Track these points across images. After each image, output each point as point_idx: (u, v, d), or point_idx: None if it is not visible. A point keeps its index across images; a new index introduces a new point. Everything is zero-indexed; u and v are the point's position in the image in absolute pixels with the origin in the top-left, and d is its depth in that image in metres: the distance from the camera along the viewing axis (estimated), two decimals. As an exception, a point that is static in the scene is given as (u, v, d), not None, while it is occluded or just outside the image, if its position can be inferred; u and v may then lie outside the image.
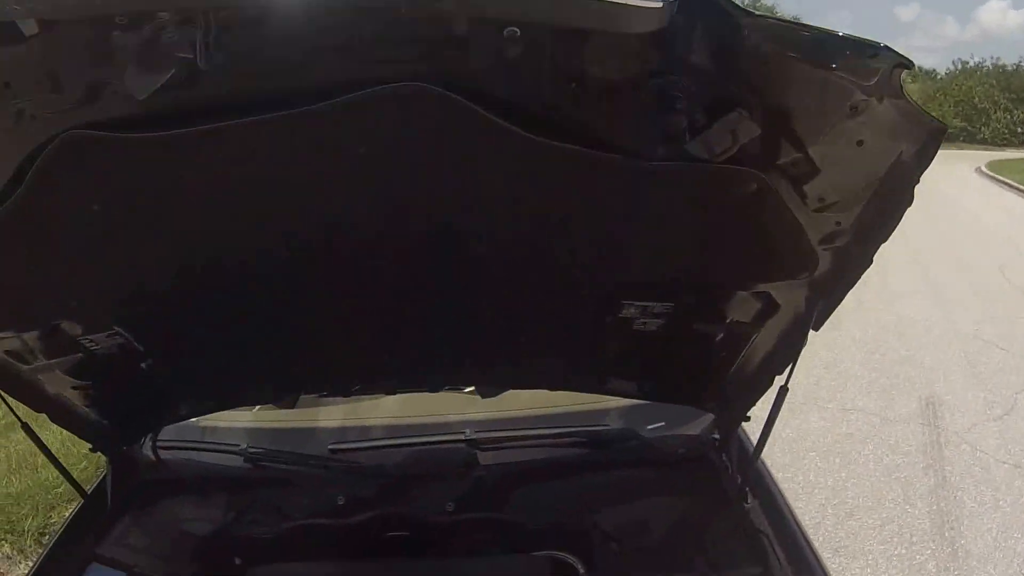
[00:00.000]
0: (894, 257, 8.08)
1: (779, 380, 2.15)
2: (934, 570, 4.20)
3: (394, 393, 2.77)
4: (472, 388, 2.69)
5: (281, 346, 2.28)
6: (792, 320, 1.95)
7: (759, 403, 2.33)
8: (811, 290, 1.83)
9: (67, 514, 2.73)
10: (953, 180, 12.11)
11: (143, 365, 2.28)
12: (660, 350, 2.29)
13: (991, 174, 13.45)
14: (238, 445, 2.84)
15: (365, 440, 2.82)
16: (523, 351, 2.37)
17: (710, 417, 2.73)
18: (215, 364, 2.35)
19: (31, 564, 4.24)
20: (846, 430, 5.73)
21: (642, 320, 2.11)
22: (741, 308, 1.99)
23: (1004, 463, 5.06)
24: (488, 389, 2.60)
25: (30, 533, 4.66)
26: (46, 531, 4.66)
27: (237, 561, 2.55)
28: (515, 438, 2.79)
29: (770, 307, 1.94)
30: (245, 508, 2.66)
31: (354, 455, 2.73)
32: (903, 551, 4.35)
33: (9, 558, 4.58)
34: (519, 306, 2.12)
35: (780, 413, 2.14)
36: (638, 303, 2.03)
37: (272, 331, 2.22)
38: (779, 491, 2.53)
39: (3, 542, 4.60)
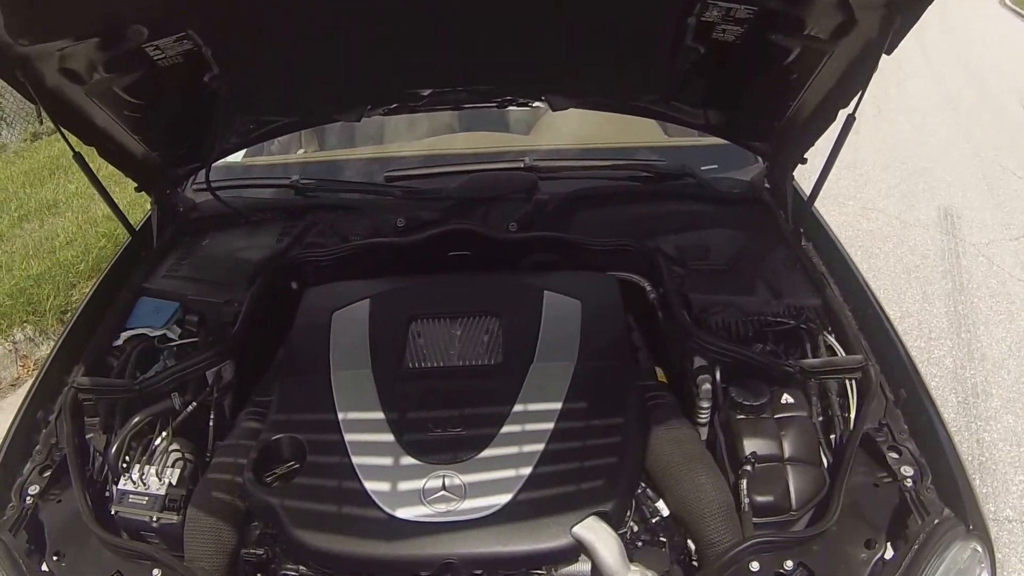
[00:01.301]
0: (915, 80, 7.89)
1: (844, 112, 2.10)
2: (951, 365, 4.28)
3: (461, 108, 2.70)
4: (540, 103, 2.61)
5: (346, 57, 2.18)
6: (865, 43, 1.88)
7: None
8: (889, 8, 1.75)
9: (113, 254, 2.68)
10: (976, 15, 11.66)
11: (206, 78, 2.18)
12: (731, 74, 2.24)
13: (1016, 8, 12.98)
14: (288, 178, 2.79)
15: (421, 167, 2.77)
16: (598, 60, 2.31)
17: (761, 166, 2.76)
18: (280, 77, 2.25)
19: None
20: (867, 227, 5.78)
21: (723, 26, 2.05)
22: (821, 20, 1.91)
23: (1020, 280, 5.10)
24: (558, 101, 2.51)
25: (51, 313, 4.66)
26: (67, 309, 4.66)
27: (293, 285, 2.53)
28: (574, 168, 2.77)
29: (848, 23, 1.86)
30: (299, 236, 2.63)
31: (411, 182, 2.69)
32: (922, 344, 4.43)
33: (31, 340, 4.60)
34: (597, 7, 2.05)
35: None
36: (723, 2, 1.96)
37: (338, 41, 2.11)
38: (834, 236, 2.54)
39: (25, 323, 4.60)
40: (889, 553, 1.65)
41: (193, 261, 2.58)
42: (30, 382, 2.17)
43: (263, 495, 1.79)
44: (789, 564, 1.62)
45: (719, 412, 2.09)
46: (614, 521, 1.73)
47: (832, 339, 2.14)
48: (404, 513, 1.71)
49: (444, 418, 1.90)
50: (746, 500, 1.83)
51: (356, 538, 1.69)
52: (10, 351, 4.46)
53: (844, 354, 2.08)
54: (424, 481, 1.77)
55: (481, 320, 2.18)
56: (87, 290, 2.72)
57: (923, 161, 6.73)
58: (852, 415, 1.98)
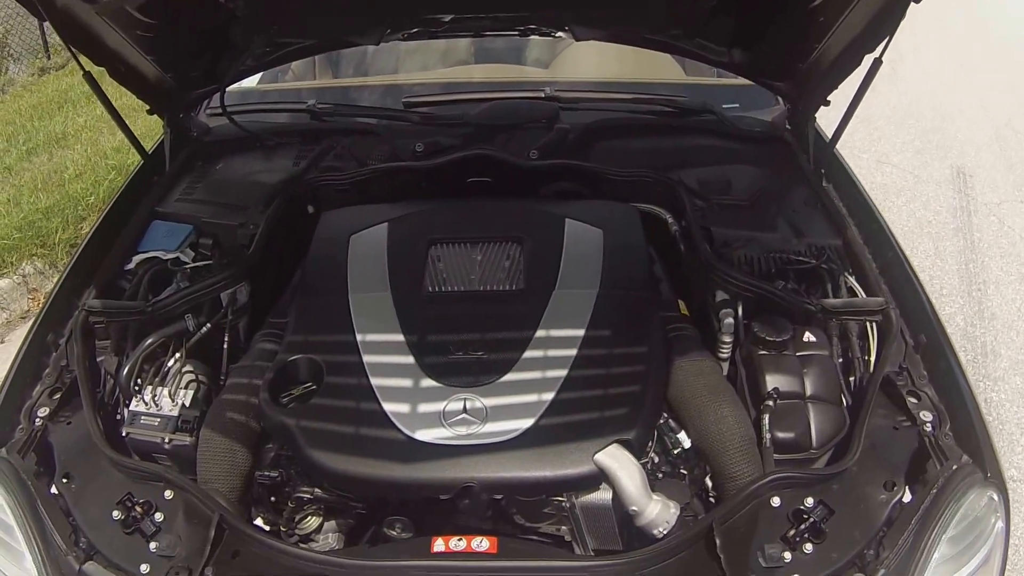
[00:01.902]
0: (931, 46, 7.78)
1: (870, 57, 2.08)
2: (962, 323, 4.25)
3: (482, 35, 2.65)
4: (563, 34, 2.55)
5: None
6: None
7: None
8: None
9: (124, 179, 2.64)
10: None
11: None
12: (758, 12, 2.21)
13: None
14: (304, 103, 2.74)
15: (441, 94, 2.73)
16: None
17: (781, 108, 2.74)
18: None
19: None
20: (881, 180, 5.71)
21: None
22: None
23: (1031, 242, 5.04)
24: (581, 31, 2.46)
25: (61, 246, 4.61)
26: (77, 243, 4.59)
27: (310, 209, 2.50)
28: (594, 100, 2.73)
29: None
30: (315, 160, 2.59)
31: (429, 108, 2.65)
32: (933, 300, 4.38)
33: (41, 273, 4.56)
34: None
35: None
36: None
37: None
38: (856, 178, 2.52)
39: (35, 256, 4.55)
40: (907, 497, 1.64)
41: (207, 185, 2.54)
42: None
43: (279, 416, 1.77)
44: (809, 501, 1.61)
45: (740, 347, 2.07)
46: (636, 450, 1.71)
47: (853, 280, 2.11)
48: (423, 435, 1.69)
49: (465, 341, 1.87)
50: (768, 436, 1.81)
51: (374, 460, 1.67)
52: (19, 284, 4.42)
53: (865, 296, 2.05)
54: (444, 404, 1.74)
55: (502, 246, 2.15)
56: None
57: (937, 121, 6.63)
58: (872, 358, 1.96)
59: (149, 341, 2.00)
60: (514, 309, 1.98)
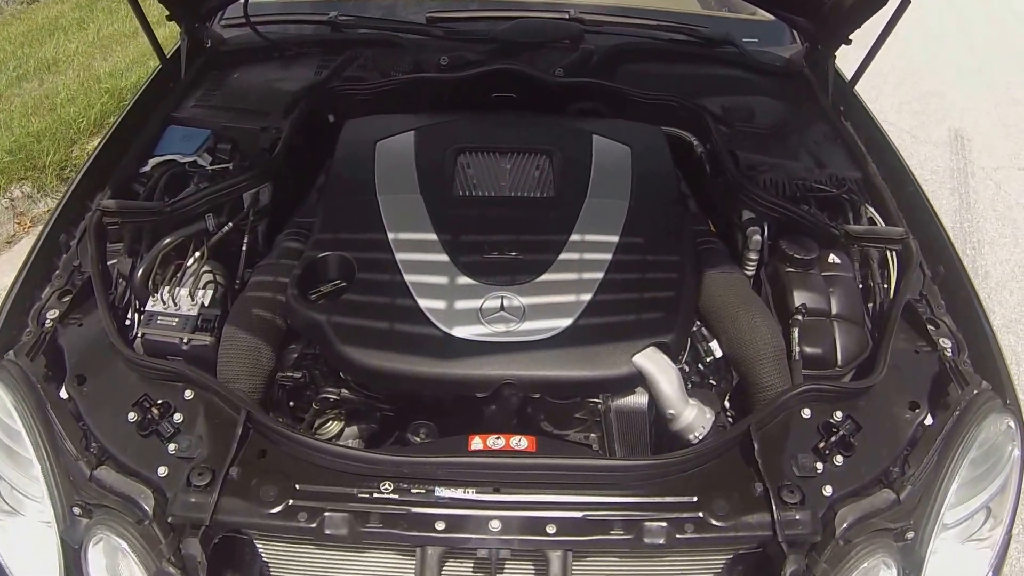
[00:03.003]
0: (933, 13, 7.76)
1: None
2: (955, 280, 4.29)
3: None
4: None
5: None
6: None
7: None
8: None
9: (142, 83, 2.57)
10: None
11: None
12: None
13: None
14: (326, 14, 2.69)
15: (465, 10, 2.69)
16: None
17: (799, 46, 2.77)
18: None
19: (53, 204, 4.13)
20: (878, 138, 5.74)
21: None
22: None
23: (1024, 208, 5.08)
24: None
25: (51, 169, 4.50)
26: (68, 165, 4.52)
27: (331, 118, 2.45)
28: (618, 23, 2.71)
29: None
30: (337, 69, 2.54)
31: (454, 24, 2.61)
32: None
33: (29, 197, 4.46)
34: None
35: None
36: None
37: None
38: (874, 117, 2.55)
39: (24, 180, 4.44)
40: (928, 420, 1.65)
41: (224, 92, 2.48)
42: (32, 235, 2.04)
43: (309, 311, 1.71)
44: (838, 415, 1.61)
45: (766, 266, 2.08)
46: (673, 354, 1.70)
47: (873, 211, 2.13)
48: (461, 332, 1.66)
49: (500, 241, 1.84)
50: (797, 349, 1.81)
51: (410, 355, 1.62)
52: (7, 208, 4.31)
53: (885, 226, 2.07)
54: (482, 301, 1.71)
55: (531, 157, 2.12)
56: (95, 142, 2.61)
57: (936, 85, 6.66)
58: (891, 287, 1.99)
59: (167, 240, 1.92)
60: (546, 214, 1.96)
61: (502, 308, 1.70)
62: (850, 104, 2.58)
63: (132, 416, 1.55)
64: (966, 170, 5.40)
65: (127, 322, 1.86)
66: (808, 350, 1.83)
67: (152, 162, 2.18)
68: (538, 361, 1.62)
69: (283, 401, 1.84)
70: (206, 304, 1.83)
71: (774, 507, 1.45)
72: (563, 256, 1.82)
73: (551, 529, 1.42)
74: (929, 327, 1.83)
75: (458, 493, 1.45)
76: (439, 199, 1.96)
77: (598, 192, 2.01)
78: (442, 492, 1.45)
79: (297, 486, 1.46)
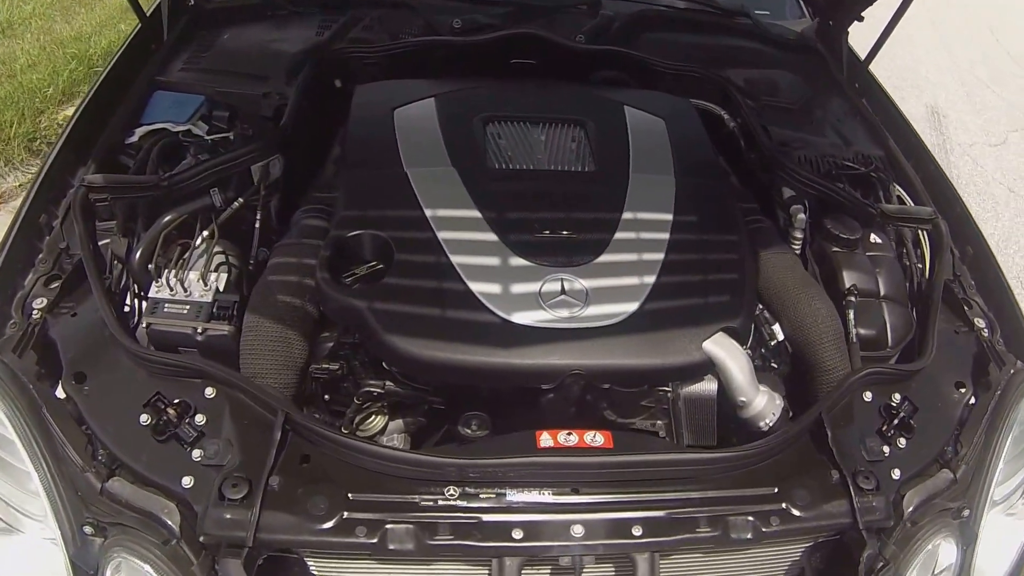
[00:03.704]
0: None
1: None
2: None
3: None
4: None
5: None
6: None
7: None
8: None
9: (121, 43, 2.35)
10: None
11: None
12: None
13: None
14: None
15: None
16: None
17: (809, 21, 2.76)
18: None
19: (26, 178, 3.82)
20: (858, 112, 5.76)
21: None
22: None
23: (1000, 184, 5.14)
24: None
25: (17, 140, 4.15)
26: (36, 136, 4.21)
27: (337, 83, 2.28)
28: None
29: None
30: (341, 30, 2.38)
31: None
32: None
33: (-4, 171, 4.13)
34: None
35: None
36: None
37: None
38: (889, 96, 2.54)
39: (-12, 153, 4.10)
40: (972, 399, 1.66)
41: (215, 54, 2.28)
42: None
43: (346, 297, 1.54)
44: (896, 397, 1.59)
45: (811, 244, 2.01)
46: (741, 339, 1.61)
47: (901, 190, 2.10)
48: (520, 318, 1.51)
49: (549, 219, 1.69)
50: (854, 331, 1.76)
51: (466, 344, 1.47)
52: (-31, 183, 3.98)
53: (914, 205, 2.05)
54: (540, 284, 1.57)
55: (564, 127, 1.98)
56: (68, 111, 2.36)
57: (909, 61, 6.72)
58: (925, 266, 1.96)
59: (168, 218, 1.71)
60: (593, 190, 1.82)
61: (563, 291, 1.56)
62: (865, 82, 2.57)
63: (145, 418, 1.36)
64: (945, 146, 5.45)
65: (125, 309, 1.64)
66: (864, 331, 1.78)
67: (140, 131, 1.97)
68: (607, 349, 1.50)
69: (317, 395, 1.67)
70: (221, 289, 1.64)
71: (852, 494, 1.41)
72: (618, 235, 1.69)
73: (637, 531, 1.32)
74: (964, 307, 1.83)
75: (533, 496, 1.33)
76: (475, 173, 1.80)
77: (641, 167, 1.89)
78: (515, 496, 1.33)
79: (350, 495, 1.31)
